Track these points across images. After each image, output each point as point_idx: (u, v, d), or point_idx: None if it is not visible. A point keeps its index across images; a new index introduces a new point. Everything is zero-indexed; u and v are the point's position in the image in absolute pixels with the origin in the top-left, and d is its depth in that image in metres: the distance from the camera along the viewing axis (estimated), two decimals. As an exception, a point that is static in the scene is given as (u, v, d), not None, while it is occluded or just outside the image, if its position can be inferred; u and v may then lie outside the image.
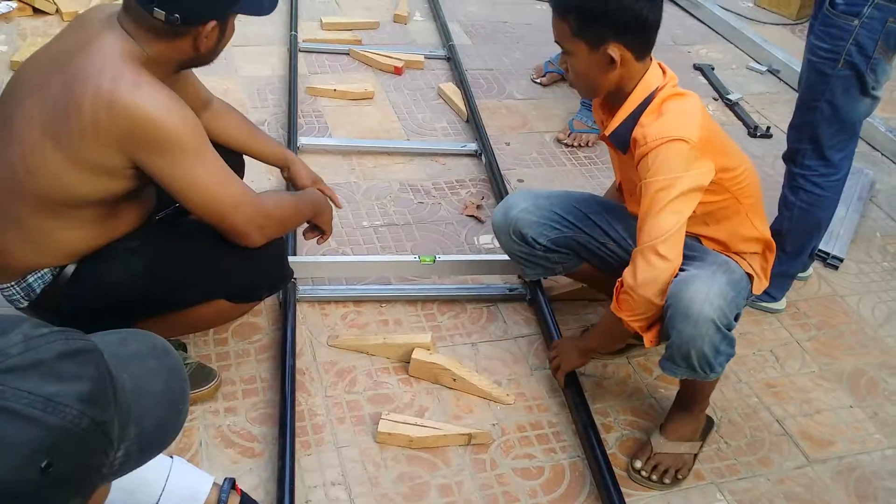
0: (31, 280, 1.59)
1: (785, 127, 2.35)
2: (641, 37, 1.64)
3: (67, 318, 1.66)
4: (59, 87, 1.43)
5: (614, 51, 1.61)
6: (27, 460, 0.63)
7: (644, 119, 1.67)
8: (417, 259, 2.26)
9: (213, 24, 1.49)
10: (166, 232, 1.73)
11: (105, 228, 1.59)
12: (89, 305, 1.57)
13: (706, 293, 1.59)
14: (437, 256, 2.27)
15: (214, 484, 1.13)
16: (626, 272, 1.68)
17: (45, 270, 1.59)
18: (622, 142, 1.72)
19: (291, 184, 2.04)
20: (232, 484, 1.13)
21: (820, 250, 2.66)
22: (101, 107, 1.38)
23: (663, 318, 1.65)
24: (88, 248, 1.58)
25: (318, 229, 1.93)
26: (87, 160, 1.43)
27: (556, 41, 1.69)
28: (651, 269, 1.63)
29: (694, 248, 1.75)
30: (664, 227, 1.62)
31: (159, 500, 1.07)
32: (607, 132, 1.75)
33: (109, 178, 1.48)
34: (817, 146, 2.12)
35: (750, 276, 1.79)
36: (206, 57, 1.57)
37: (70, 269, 1.59)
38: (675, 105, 1.66)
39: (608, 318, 1.83)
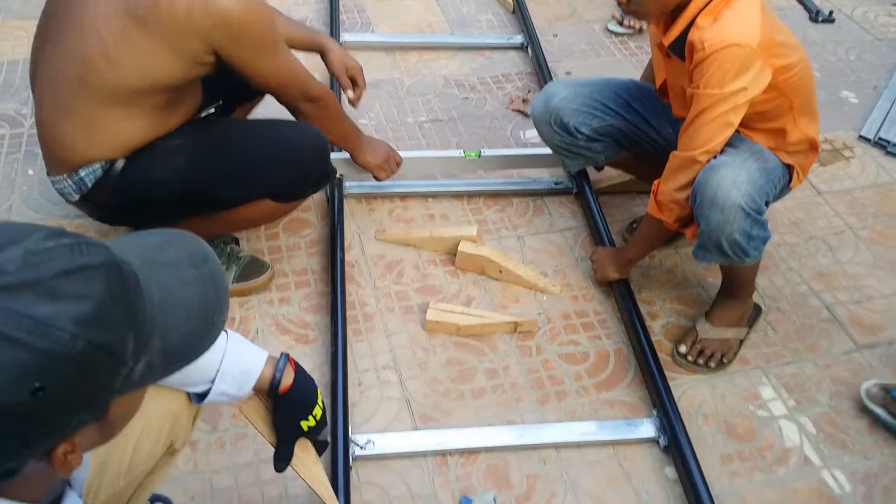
0: (83, 174, 1.64)
1: (849, 11, 2.23)
2: None
3: (116, 213, 1.73)
4: None
5: None
6: (15, 383, 0.60)
7: (701, 21, 1.57)
8: (462, 154, 2.25)
9: None
10: (209, 131, 1.75)
11: (159, 120, 1.62)
12: (135, 201, 1.65)
13: (734, 179, 1.56)
14: (482, 151, 2.26)
15: (270, 358, 1.12)
16: (663, 176, 1.67)
17: (97, 164, 1.63)
18: (679, 49, 1.65)
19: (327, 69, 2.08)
20: (287, 359, 1.13)
21: (880, 138, 2.56)
22: (197, 3, 1.45)
23: (693, 209, 1.63)
24: (141, 140, 1.62)
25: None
26: (176, 45, 1.49)
27: None
28: (689, 174, 1.62)
29: (730, 139, 1.70)
30: (711, 138, 1.58)
31: (215, 377, 1.08)
32: (667, 41, 1.65)
33: (191, 64, 1.54)
34: None
35: (789, 168, 1.74)
36: None
37: (120, 164, 1.64)
38: (734, 4, 1.56)
39: (647, 221, 1.82)
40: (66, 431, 0.66)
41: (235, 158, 1.68)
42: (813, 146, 1.75)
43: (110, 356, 0.65)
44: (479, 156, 2.24)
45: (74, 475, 0.85)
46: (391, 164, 2.06)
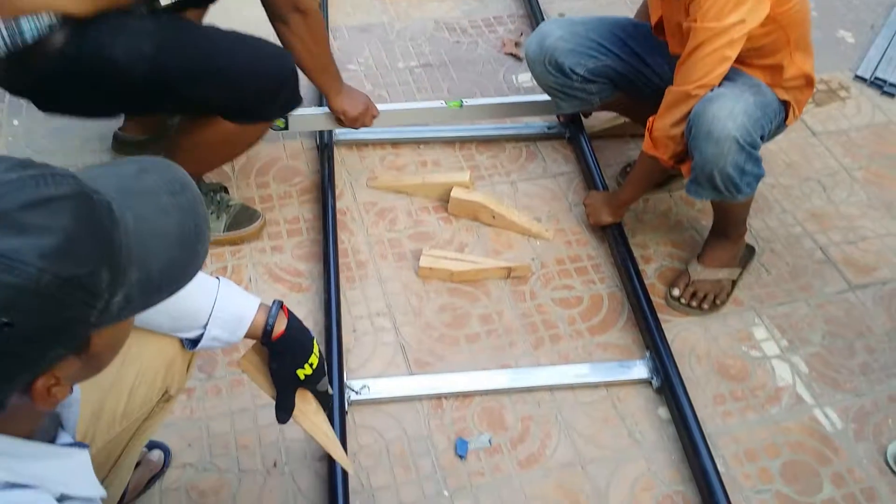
0: (24, 24, 1.37)
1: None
2: None
3: (46, 90, 1.51)
4: None
5: None
6: None
7: None
8: (445, 105, 2.18)
9: None
10: (185, 25, 1.63)
11: None
12: (79, 80, 1.46)
13: (730, 110, 1.54)
14: (463, 101, 2.18)
15: (262, 305, 1.11)
16: (659, 112, 1.64)
17: (46, 17, 1.38)
18: None
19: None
20: (280, 306, 1.12)
21: (877, 78, 2.53)
22: None
23: (688, 142, 1.61)
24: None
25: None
26: None
27: None
28: (684, 109, 1.60)
29: (727, 73, 1.68)
30: (708, 72, 1.56)
31: (207, 322, 1.07)
32: None
33: None
34: None
35: (786, 104, 1.72)
36: None
37: (71, 30, 1.42)
38: None
39: (641, 160, 1.80)
40: (43, 365, 0.65)
41: (208, 54, 1.57)
42: (809, 81, 1.72)
43: (82, 289, 0.64)
44: (461, 106, 2.17)
45: (66, 418, 0.84)
46: (368, 117, 1.97)
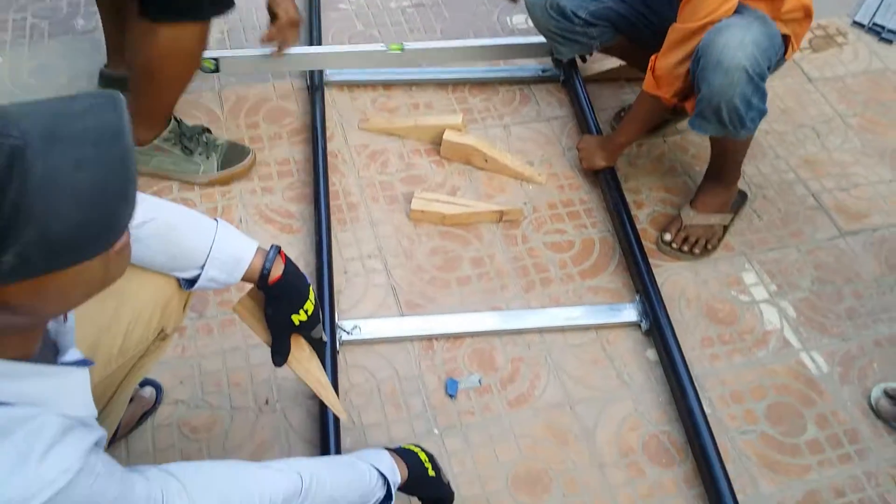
0: None
1: None
2: None
3: None
4: None
5: None
6: None
7: None
8: (386, 48, 2.07)
9: None
10: None
11: None
12: None
13: (740, 40, 1.52)
14: (404, 45, 2.08)
15: (260, 249, 1.11)
16: (662, 51, 1.62)
17: None
18: None
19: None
20: (277, 251, 1.12)
21: (875, 23, 2.50)
22: None
23: (695, 75, 1.60)
24: None
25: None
26: None
27: None
28: (688, 47, 1.57)
29: None
30: (714, 9, 1.53)
31: (205, 262, 1.07)
32: None
33: None
34: None
35: (786, 38, 1.69)
36: None
37: None
38: None
39: (641, 101, 1.78)
40: None
41: None
42: (808, 13, 1.70)
43: None
44: (402, 49, 2.08)
45: (63, 345, 0.84)
46: (294, 31, 1.86)
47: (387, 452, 1.17)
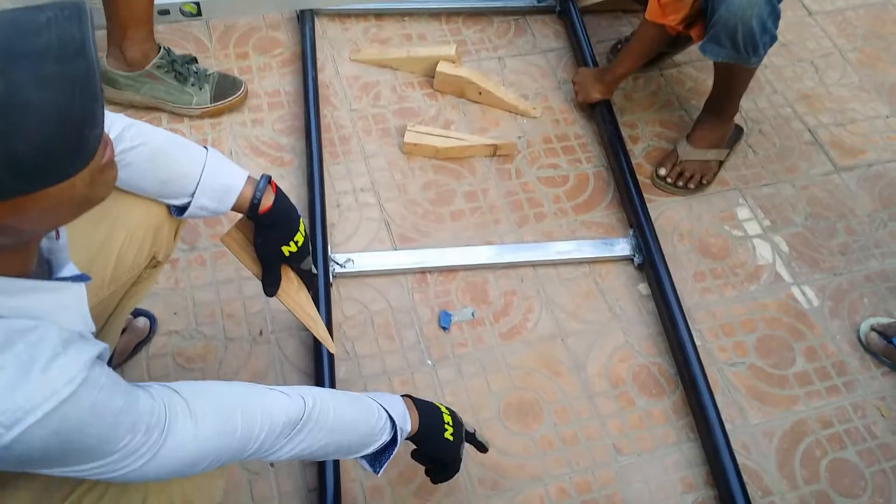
0: None
1: None
2: None
3: None
4: None
5: None
6: None
7: None
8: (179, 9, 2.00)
9: None
10: None
11: None
12: None
13: None
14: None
15: (250, 178, 1.09)
16: None
17: None
18: None
19: None
20: (268, 180, 1.10)
21: (879, -45, 2.44)
22: None
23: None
24: None
25: None
26: None
27: None
28: None
29: None
30: None
31: (194, 191, 1.06)
32: None
33: None
34: None
35: None
36: None
37: None
38: None
39: (642, 31, 1.74)
40: None
41: None
42: None
43: None
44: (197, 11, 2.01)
45: (57, 265, 0.84)
46: None
47: (402, 400, 1.14)
